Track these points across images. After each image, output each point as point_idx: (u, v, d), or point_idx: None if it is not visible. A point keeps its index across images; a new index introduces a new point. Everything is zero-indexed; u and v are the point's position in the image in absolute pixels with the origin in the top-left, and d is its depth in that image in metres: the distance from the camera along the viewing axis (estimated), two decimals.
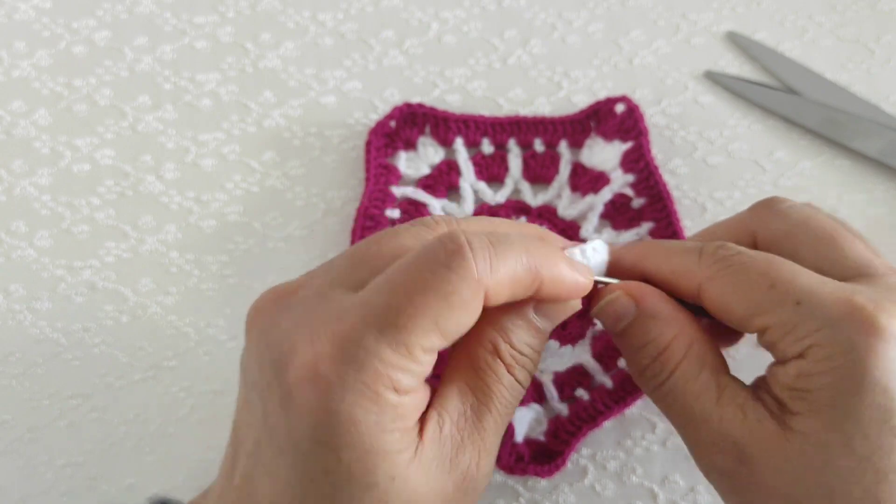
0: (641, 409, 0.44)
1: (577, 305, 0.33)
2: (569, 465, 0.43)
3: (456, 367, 0.32)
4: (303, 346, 0.28)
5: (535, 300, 0.32)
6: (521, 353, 0.32)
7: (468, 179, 0.49)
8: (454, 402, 0.31)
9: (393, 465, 0.28)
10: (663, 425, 0.43)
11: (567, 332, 0.45)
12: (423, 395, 0.30)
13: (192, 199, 0.49)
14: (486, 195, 0.49)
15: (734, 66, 0.52)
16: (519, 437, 0.43)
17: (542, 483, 0.43)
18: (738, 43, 0.53)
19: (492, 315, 0.31)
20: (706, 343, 0.33)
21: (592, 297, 0.34)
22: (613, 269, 0.35)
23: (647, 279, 0.34)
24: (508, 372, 0.31)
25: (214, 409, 0.45)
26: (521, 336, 0.32)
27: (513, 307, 0.31)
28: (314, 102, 0.51)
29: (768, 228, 0.35)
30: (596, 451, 0.44)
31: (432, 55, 0.52)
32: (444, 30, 0.53)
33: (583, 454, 0.44)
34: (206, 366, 0.46)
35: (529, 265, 0.30)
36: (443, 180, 0.49)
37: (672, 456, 0.43)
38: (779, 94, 0.51)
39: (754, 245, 0.35)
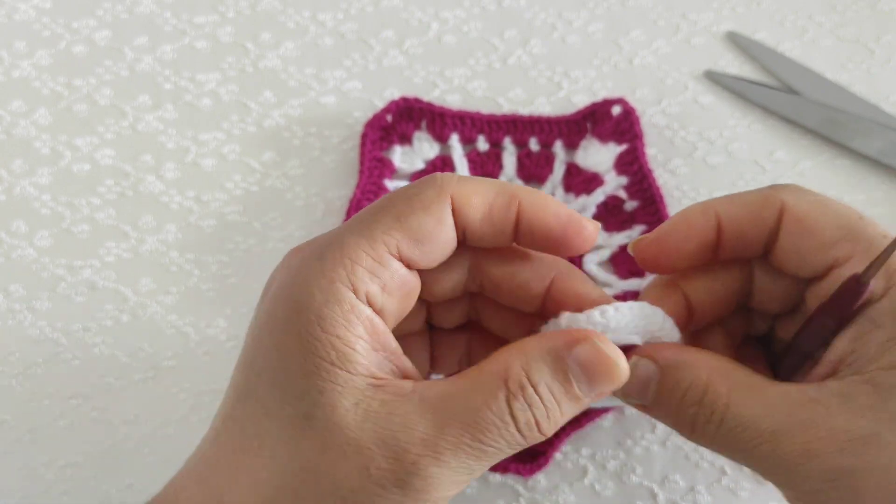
0: None
1: (622, 374, 0.29)
2: (569, 464, 0.43)
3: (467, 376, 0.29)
4: (291, 254, 0.31)
5: (569, 343, 0.28)
6: (535, 390, 0.28)
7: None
8: (429, 390, 0.28)
9: (334, 375, 0.28)
10: (663, 425, 0.43)
11: None
12: (385, 335, 0.29)
13: (192, 198, 0.49)
14: None
15: (734, 66, 0.52)
16: None
17: (542, 483, 0.43)
18: (738, 43, 0.53)
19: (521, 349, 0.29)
20: (742, 368, 0.30)
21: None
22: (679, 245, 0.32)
23: (722, 232, 0.32)
24: (507, 403, 0.28)
25: (214, 409, 0.45)
26: (541, 371, 0.28)
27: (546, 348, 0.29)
28: (314, 102, 0.51)
29: (798, 198, 0.32)
30: (596, 450, 0.44)
31: (432, 55, 0.52)
32: (444, 30, 0.53)
33: (583, 454, 0.44)
34: (206, 366, 0.45)
35: (502, 187, 0.30)
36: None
37: (672, 455, 0.43)
38: (779, 94, 0.51)
39: (780, 217, 0.32)
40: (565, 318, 0.31)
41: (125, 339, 0.46)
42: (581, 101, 0.51)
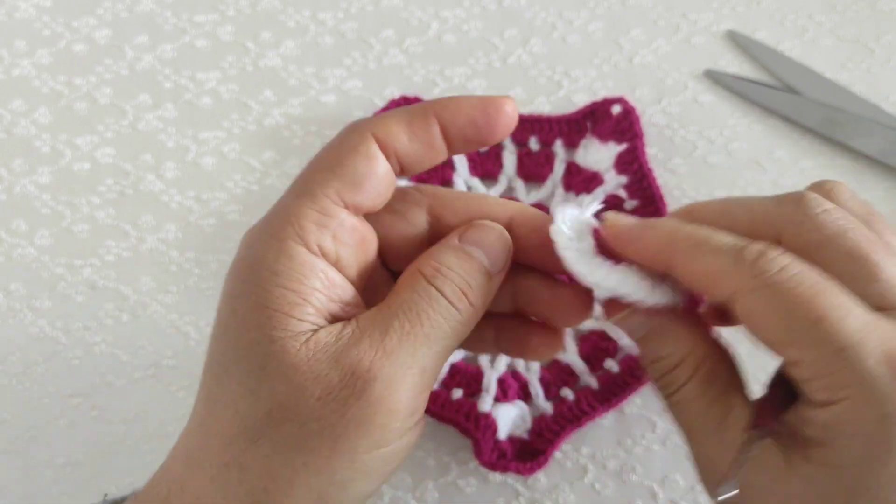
0: (641, 407, 0.44)
1: (501, 236, 0.32)
2: (569, 463, 0.43)
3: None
4: (245, 235, 0.32)
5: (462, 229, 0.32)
6: (448, 269, 0.31)
7: (462, 175, 0.49)
8: (366, 312, 0.31)
9: (285, 322, 0.29)
10: (663, 424, 0.44)
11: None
12: (343, 287, 0.31)
13: (192, 197, 0.49)
14: (479, 191, 0.49)
15: (734, 65, 0.52)
16: (503, 434, 0.43)
17: (542, 482, 0.43)
18: (738, 42, 0.53)
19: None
20: (719, 361, 0.31)
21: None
22: (629, 252, 0.31)
23: (671, 271, 0.31)
24: (428, 283, 0.30)
25: None
26: (447, 258, 0.31)
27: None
28: (314, 101, 0.51)
29: (798, 234, 0.30)
30: (596, 450, 0.44)
31: (432, 54, 0.52)
32: (445, 29, 0.53)
33: (583, 453, 0.44)
34: None
35: (415, 108, 0.32)
36: (437, 175, 0.49)
37: (672, 455, 0.43)
38: (779, 93, 0.51)
39: (778, 243, 0.30)
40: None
41: (125, 338, 0.46)
42: (581, 100, 0.51)
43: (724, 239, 0.30)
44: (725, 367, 0.32)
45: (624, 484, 0.43)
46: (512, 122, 0.32)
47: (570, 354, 0.45)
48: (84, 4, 0.54)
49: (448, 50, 0.52)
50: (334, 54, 0.52)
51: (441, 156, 0.32)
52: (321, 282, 0.30)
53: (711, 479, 0.31)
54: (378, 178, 0.31)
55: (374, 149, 0.31)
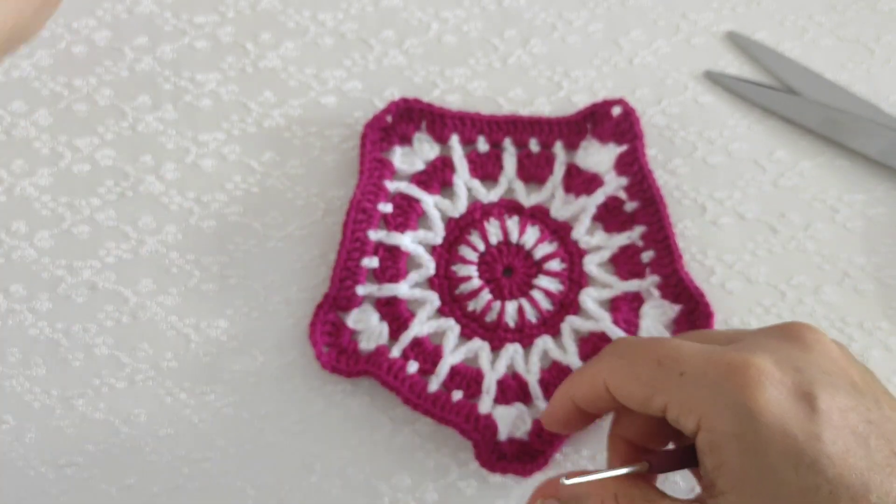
0: None
1: None
2: (569, 465, 0.44)
3: None
4: None
5: None
6: None
7: (462, 177, 0.49)
8: None
9: None
10: None
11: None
12: None
13: (192, 199, 0.49)
14: (479, 193, 0.49)
15: (734, 66, 0.52)
16: (502, 435, 0.43)
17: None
18: (738, 43, 0.52)
19: None
20: (629, 486, 0.33)
21: None
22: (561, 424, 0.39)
23: (578, 407, 0.37)
24: None
25: (214, 409, 0.45)
26: None
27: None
28: (314, 102, 0.51)
29: (611, 370, 0.36)
30: (596, 451, 0.44)
31: (432, 55, 0.52)
32: (444, 29, 0.53)
33: (583, 454, 0.44)
34: (206, 366, 0.46)
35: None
36: (437, 176, 0.49)
37: None
38: (779, 94, 0.51)
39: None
40: None
41: (125, 340, 0.46)
42: (581, 101, 0.51)
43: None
44: (638, 487, 0.33)
45: None
46: None
47: (570, 356, 0.45)
48: (83, 6, 0.54)
49: (448, 51, 0.52)
50: (334, 55, 0.52)
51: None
52: None
53: None
54: None
55: None
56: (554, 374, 0.45)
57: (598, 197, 0.48)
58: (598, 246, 0.48)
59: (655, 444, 0.37)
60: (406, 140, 0.49)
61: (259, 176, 0.49)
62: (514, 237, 0.48)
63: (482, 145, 0.49)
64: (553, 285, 0.47)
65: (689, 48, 0.53)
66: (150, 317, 0.46)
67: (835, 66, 0.52)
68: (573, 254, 0.47)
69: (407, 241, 0.47)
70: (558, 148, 0.49)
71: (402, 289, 0.46)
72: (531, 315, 0.46)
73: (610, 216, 0.48)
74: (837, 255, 0.48)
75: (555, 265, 0.47)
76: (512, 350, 0.46)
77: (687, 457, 0.33)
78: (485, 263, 0.47)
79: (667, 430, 0.36)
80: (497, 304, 0.46)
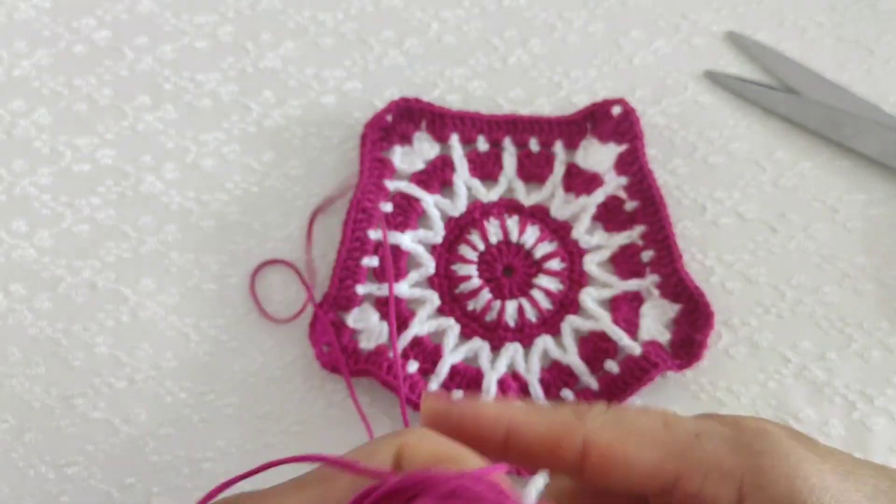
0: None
1: None
2: None
3: None
4: None
5: None
6: None
7: (462, 176, 0.49)
8: None
9: None
10: None
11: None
12: None
13: (192, 199, 0.49)
14: (479, 192, 0.49)
15: (734, 66, 0.52)
16: None
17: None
18: (738, 43, 0.53)
19: None
20: None
21: None
22: (467, 430, 0.28)
23: (512, 439, 0.28)
24: None
25: (214, 409, 0.45)
26: None
27: None
28: (314, 102, 0.51)
29: (600, 432, 0.28)
30: None
31: (432, 55, 0.52)
32: (444, 29, 0.53)
33: None
34: (206, 366, 0.46)
35: None
36: (437, 176, 0.49)
37: None
38: (779, 94, 0.51)
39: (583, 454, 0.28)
40: None
41: (125, 340, 0.46)
42: (581, 100, 0.51)
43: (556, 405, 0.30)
44: None
45: None
46: None
47: (571, 355, 0.45)
48: (84, 5, 0.54)
49: (448, 51, 0.52)
50: (334, 55, 0.52)
51: None
52: None
53: None
54: None
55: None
56: (554, 374, 0.45)
57: (598, 196, 0.48)
58: (598, 245, 0.48)
59: None
60: (406, 140, 0.49)
61: (259, 176, 0.49)
62: (514, 236, 0.48)
63: (482, 145, 0.49)
64: (553, 285, 0.47)
65: (689, 48, 0.53)
66: (150, 316, 0.46)
67: (835, 66, 0.52)
68: (573, 253, 0.47)
69: (407, 240, 0.47)
70: (558, 147, 0.49)
71: (402, 288, 0.46)
72: (531, 314, 0.46)
73: (610, 216, 0.48)
74: (837, 255, 0.48)
75: (555, 264, 0.47)
76: (512, 349, 0.46)
77: None
78: (485, 263, 0.47)
79: None
80: (497, 304, 0.46)
